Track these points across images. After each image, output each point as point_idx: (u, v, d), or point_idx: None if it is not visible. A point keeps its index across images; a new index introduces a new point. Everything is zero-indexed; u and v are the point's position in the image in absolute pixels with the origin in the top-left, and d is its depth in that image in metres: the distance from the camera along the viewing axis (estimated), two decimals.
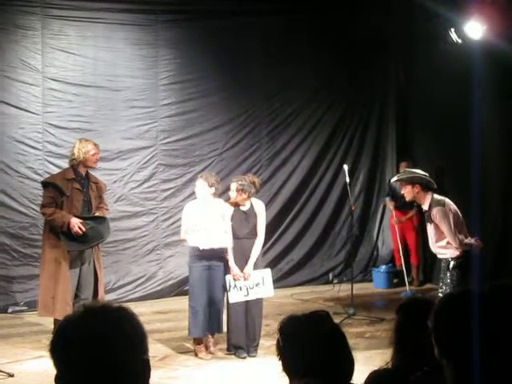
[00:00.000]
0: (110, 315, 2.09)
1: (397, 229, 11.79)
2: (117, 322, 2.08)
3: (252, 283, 8.09)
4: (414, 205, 10.23)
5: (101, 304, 2.14)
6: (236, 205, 8.18)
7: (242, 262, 8.10)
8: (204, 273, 8.09)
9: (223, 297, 8.24)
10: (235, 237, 8.12)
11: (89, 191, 8.30)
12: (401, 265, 11.96)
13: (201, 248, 7.97)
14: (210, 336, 8.27)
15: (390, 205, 12.01)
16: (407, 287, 11.25)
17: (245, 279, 8.05)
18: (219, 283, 8.14)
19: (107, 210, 8.70)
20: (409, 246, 12.06)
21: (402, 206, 11.42)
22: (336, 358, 2.85)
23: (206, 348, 8.23)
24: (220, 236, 8.00)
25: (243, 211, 8.18)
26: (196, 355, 8.18)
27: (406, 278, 11.33)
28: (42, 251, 8.53)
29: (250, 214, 8.20)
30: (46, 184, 8.49)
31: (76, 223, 8.00)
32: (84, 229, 8.02)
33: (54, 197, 8.19)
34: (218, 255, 8.11)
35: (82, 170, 8.31)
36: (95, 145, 8.40)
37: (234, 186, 8.15)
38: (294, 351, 2.85)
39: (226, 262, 8.16)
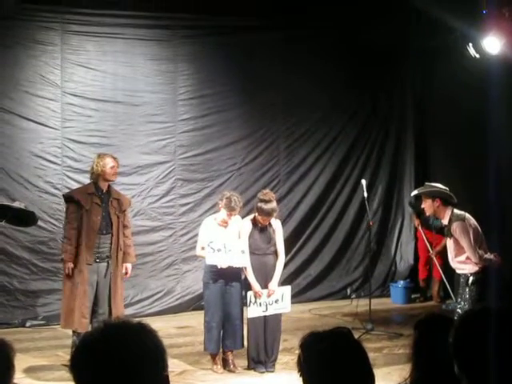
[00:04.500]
0: (130, 332, 2.10)
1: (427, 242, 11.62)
2: (137, 338, 2.08)
3: (272, 300, 8.07)
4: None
5: (121, 320, 2.15)
6: (257, 222, 8.16)
7: (260, 278, 8.07)
8: (220, 290, 8.06)
9: (241, 312, 8.21)
10: (255, 253, 8.10)
11: (108, 206, 8.27)
12: (423, 279, 11.96)
13: (219, 267, 7.93)
14: (229, 352, 8.24)
15: (416, 221, 11.98)
16: (453, 298, 11.01)
17: (268, 296, 8.04)
18: (236, 299, 8.11)
19: (129, 238, 8.55)
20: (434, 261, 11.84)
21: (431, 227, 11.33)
22: (357, 375, 2.84)
23: (225, 364, 8.19)
24: (239, 255, 7.96)
25: (261, 227, 8.17)
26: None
27: (449, 289, 11.10)
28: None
29: (268, 231, 8.18)
30: (67, 199, 8.51)
31: (68, 268, 8.12)
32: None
33: (76, 212, 8.21)
34: (235, 272, 8.08)
35: (103, 185, 8.30)
36: (113, 158, 8.41)
37: (271, 206, 7.99)
38: (315, 367, 2.84)
39: (242, 278, 8.13)
